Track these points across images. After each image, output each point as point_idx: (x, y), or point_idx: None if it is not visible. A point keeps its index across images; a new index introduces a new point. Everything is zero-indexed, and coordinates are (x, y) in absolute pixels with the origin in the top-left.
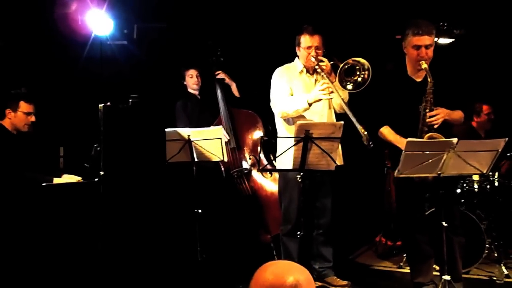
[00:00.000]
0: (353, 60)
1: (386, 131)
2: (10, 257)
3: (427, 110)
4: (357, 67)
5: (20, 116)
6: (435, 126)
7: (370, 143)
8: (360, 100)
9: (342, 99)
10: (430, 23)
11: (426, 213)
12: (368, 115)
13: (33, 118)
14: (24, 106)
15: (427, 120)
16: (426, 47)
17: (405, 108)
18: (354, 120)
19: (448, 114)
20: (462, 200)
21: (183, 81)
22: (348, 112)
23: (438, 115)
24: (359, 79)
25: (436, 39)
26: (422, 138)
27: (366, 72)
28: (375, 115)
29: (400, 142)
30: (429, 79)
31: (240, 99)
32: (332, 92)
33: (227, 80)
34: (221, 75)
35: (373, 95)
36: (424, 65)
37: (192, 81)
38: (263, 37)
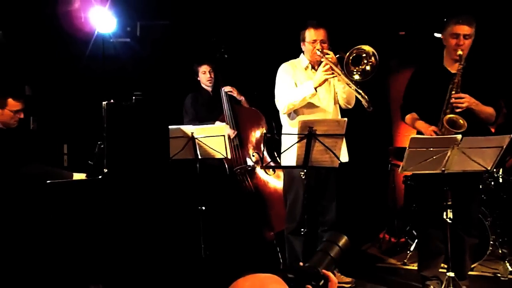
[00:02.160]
0: (357, 49)
1: (411, 117)
2: (13, 255)
3: (453, 92)
4: (363, 55)
5: (7, 113)
6: (458, 110)
7: (371, 106)
8: (377, 93)
9: (344, 76)
10: (471, 16)
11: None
12: (386, 107)
13: (21, 115)
14: (12, 104)
15: (452, 101)
16: (465, 36)
17: (435, 96)
18: (353, 86)
19: (476, 104)
20: None
21: (196, 77)
22: (349, 82)
23: (464, 99)
24: (367, 67)
25: (439, 35)
26: (443, 119)
27: (373, 59)
28: (405, 102)
29: (423, 127)
30: (460, 64)
31: (248, 97)
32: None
33: (236, 95)
34: (229, 88)
35: (407, 83)
36: (460, 52)
37: (205, 77)
38: (267, 33)
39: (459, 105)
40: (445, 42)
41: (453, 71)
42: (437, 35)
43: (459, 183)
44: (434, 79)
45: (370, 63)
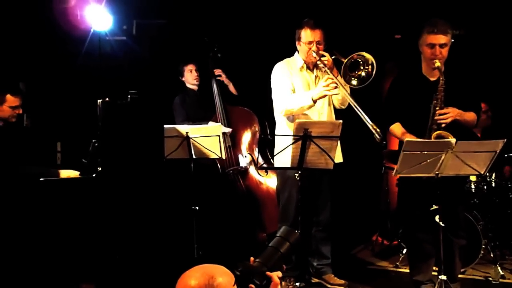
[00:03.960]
0: (357, 55)
1: (396, 128)
2: (5, 254)
3: (437, 108)
4: (361, 62)
5: (6, 109)
6: (443, 125)
7: (383, 141)
8: (371, 96)
9: (349, 94)
10: (446, 22)
11: (431, 209)
12: (380, 111)
13: (20, 111)
14: (10, 100)
15: (436, 118)
16: (441, 46)
17: (417, 106)
18: (364, 117)
19: (460, 114)
20: None
21: (181, 77)
22: (358, 109)
23: (448, 114)
24: (363, 73)
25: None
26: (431, 136)
27: (370, 66)
28: (386, 112)
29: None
30: (441, 78)
31: (238, 96)
32: (336, 87)
33: (224, 79)
34: (218, 72)
35: (386, 92)
36: (437, 64)
37: (192, 76)
38: (260, 33)
39: (443, 121)
40: (421, 50)
41: (432, 79)
42: None
43: (444, 186)
44: (415, 88)
45: (366, 71)
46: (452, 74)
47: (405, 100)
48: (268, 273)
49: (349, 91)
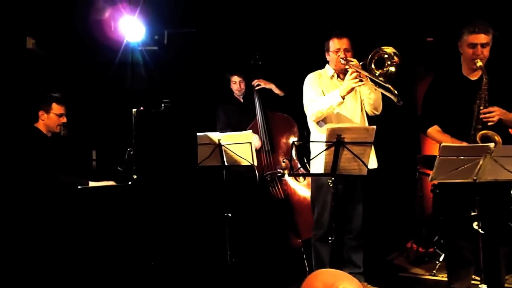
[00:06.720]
0: (378, 51)
1: (435, 130)
2: (44, 259)
3: (481, 107)
4: (385, 57)
5: (53, 117)
6: (490, 123)
7: (400, 100)
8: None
9: (373, 79)
10: (487, 22)
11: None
12: (413, 115)
13: (64, 119)
14: (56, 108)
15: (481, 117)
16: (482, 45)
17: (459, 107)
18: (380, 81)
19: (504, 114)
20: None
21: (229, 85)
22: (377, 80)
23: (494, 113)
24: (391, 68)
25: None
26: (476, 136)
27: (396, 58)
28: (425, 114)
29: (450, 142)
30: (484, 77)
31: (280, 104)
32: (361, 80)
33: (264, 85)
34: (257, 82)
35: (423, 94)
36: (479, 63)
37: (235, 87)
38: (301, 41)
39: (490, 119)
40: (462, 51)
41: (473, 78)
42: None
43: (488, 192)
44: (456, 89)
45: (394, 63)
46: (493, 74)
47: (445, 101)
48: None
49: (380, 96)
